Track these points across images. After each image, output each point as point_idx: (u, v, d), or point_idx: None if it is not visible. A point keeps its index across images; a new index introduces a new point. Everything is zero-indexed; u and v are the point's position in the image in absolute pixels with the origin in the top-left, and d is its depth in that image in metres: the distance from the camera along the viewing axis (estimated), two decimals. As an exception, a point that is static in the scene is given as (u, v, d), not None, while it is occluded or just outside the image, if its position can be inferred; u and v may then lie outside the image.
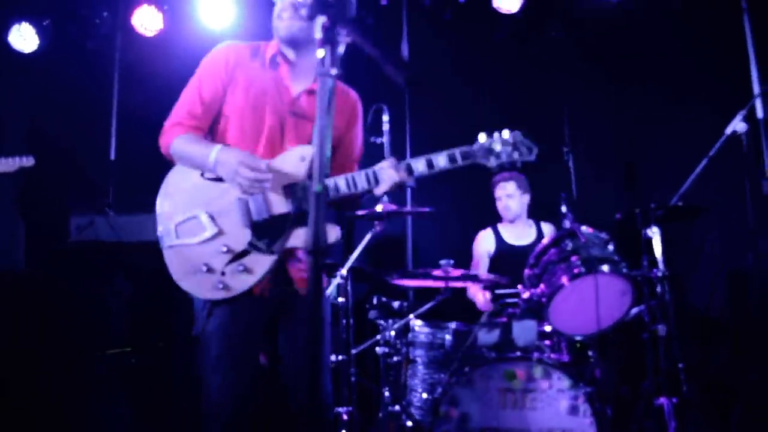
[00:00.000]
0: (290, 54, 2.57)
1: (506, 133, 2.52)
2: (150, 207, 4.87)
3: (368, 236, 3.95)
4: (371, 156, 4.66)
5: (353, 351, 3.69)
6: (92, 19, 5.70)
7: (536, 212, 4.91)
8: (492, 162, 2.50)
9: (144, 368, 4.76)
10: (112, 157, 5.83)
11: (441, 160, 2.46)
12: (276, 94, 2.55)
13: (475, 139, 2.52)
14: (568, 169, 4.52)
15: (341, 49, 1.79)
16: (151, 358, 4.81)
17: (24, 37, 5.65)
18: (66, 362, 5.02)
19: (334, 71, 1.62)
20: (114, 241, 4.83)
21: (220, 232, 2.44)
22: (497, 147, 2.50)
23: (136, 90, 5.78)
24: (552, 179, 4.84)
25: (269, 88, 2.55)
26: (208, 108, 2.57)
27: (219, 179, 2.48)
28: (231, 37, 5.57)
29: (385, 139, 3.99)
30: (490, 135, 2.52)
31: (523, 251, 4.69)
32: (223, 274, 2.41)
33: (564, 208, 3.72)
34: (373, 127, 4.07)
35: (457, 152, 2.48)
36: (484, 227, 4.88)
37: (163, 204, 2.54)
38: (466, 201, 5.31)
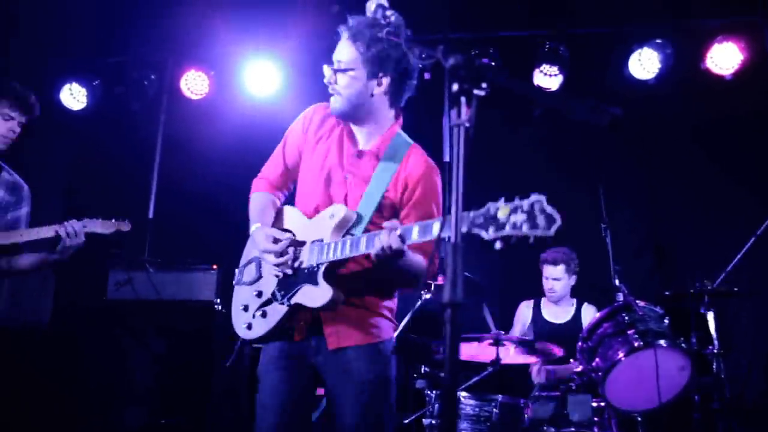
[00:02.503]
0: (350, 125, 2.64)
1: (528, 201, 1.89)
2: (186, 265, 4.94)
3: (417, 305, 3.95)
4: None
5: (404, 422, 3.62)
6: (140, 82, 5.84)
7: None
8: (490, 234, 1.91)
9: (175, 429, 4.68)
10: (150, 215, 5.87)
11: (435, 228, 2.17)
12: (339, 153, 2.60)
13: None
14: (606, 245, 4.56)
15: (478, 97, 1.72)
16: (183, 419, 4.72)
17: (74, 96, 5.81)
18: (92, 422, 4.94)
19: (467, 123, 1.67)
20: (153, 299, 4.82)
21: (259, 277, 2.60)
22: (502, 214, 1.91)
23: (178, 151, 5.89)
24: (589, 256, 4.89)
25: (334, 147, 2.62)
26: (290, 171, 2.75)
27: None
28: (276, 104, 5.75)
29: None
30: (510, 200, 1.94)
31: (556, 329, 4.69)
32: (253, 316, 2.56)
33: (617, 281, 3.72)
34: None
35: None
36: (526, 297, 4.91)
37: (244, 251, 2.75)
38: (510, 270, 5.31)
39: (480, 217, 1.95)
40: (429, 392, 3.87)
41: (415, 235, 2.22)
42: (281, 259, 2.46)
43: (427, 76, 5.45)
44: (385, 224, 2.25)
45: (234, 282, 2.70)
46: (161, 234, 5.73)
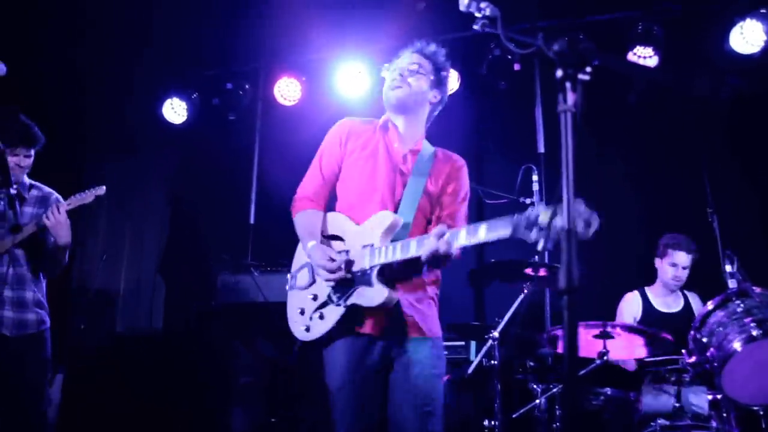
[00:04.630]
0: (399, 121, 2.88)
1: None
2: (289, 266, 5.08)
3: (519, 299, 3.93)
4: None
5: (513, 416, 3.60)
6: (236, 92, 6.06)
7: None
8: (533, 236, 2.14)
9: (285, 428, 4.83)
10: (252, 220, 6.09)
11: (482, 231, 2.33)
12: (386, 155, 2.83)
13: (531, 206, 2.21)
14: (714, 230, 4.38)
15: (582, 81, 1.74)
16: (291, 418, 4.87)
17: (175, 111, 6.09)
18: (205, 423, 5.17)
19: (573, 108, 1.65)
20: (259, 301, 4.98)
21: (313, 282, 2.76)
22: (543, 218, 2.11)
23: (274, 156, 6.07)
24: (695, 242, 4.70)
25: (380, 150, 2.84)
26: (327, 181, 2.91)
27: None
28: (365, 106, 5.83)
29: (534, 199, 3.99)
30: (550, 204, 2.14)
31: (670, 319, 4.54)
32: (310, 318, 2.72)
33: (729, 267, 3.56)
34: (522, 188, 4.10)
35: (499, 222, 2.27)
36: (626, 289, 4.76)
37: (294, 257, 2.93)
38: (608, 261, 5.18)
39: (524, 220, 2.17)
40: (535, 386, 3.84)
41: (462, 239, 2.40)
42: (336, 275, 2.63)
43: (516, 66, 5.44)
44: (433, 231, 2.44)
45: (287, 287, 2.86)
46: (263, 237, 5.94)
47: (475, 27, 2.46)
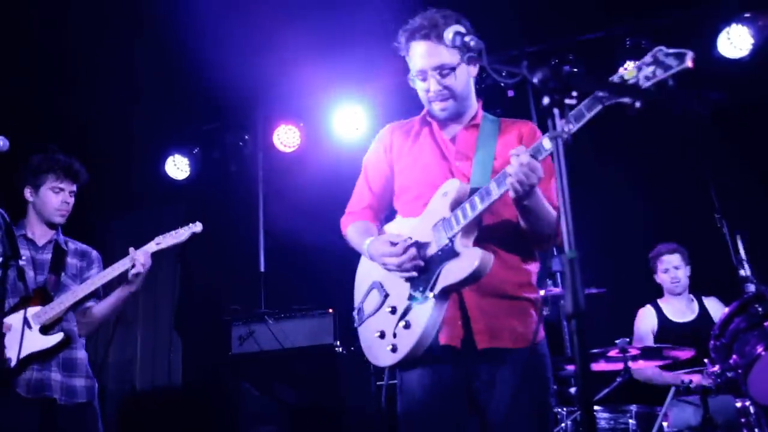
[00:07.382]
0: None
1: (649, 55, 1.98)
2: (303, 311, 5.07)
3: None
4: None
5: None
6: (236, 143, 6.13)
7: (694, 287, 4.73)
8: (627, 98, 1.91)
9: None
10: (262, 268, 6.10)
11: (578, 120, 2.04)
12: (435, 146, 2.55)
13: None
14: (724, 236, 4.35)
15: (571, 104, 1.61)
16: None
17: (178, 167, 6.15)
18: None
19: (566, 131, 1.63)
20: (276, 348, 4.96)
21: (386, 296, 2.42)
22: (630, 75, 1.98)
23: (279, 203, 6.11)
24: (705, 251, 4.67)
25: (427, 144, 2.57)
26: (381, 195, 2.67)
27: None
28: (364, 150, 5.91)
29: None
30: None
31: (687, 327, 4.50)
32: (394, 335, 2.33)
33: (743, 272, 3.54)
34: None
35: (590, 101, 2.03)
36: (637, 306, 4.73)
37: (355, 291, 2.60)
38: (617, 275, 5.15)
39: (612, 89, 1.98)
40: (560, 409, 3.79)
41: (547, 145, 2.09)
42: (405, 256, 2.30)
43: (510, 93, 5.48)
44: (511, 151, 2.14)
45: (356, 325, 2.52)
46: (275, 285, 5.94)
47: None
